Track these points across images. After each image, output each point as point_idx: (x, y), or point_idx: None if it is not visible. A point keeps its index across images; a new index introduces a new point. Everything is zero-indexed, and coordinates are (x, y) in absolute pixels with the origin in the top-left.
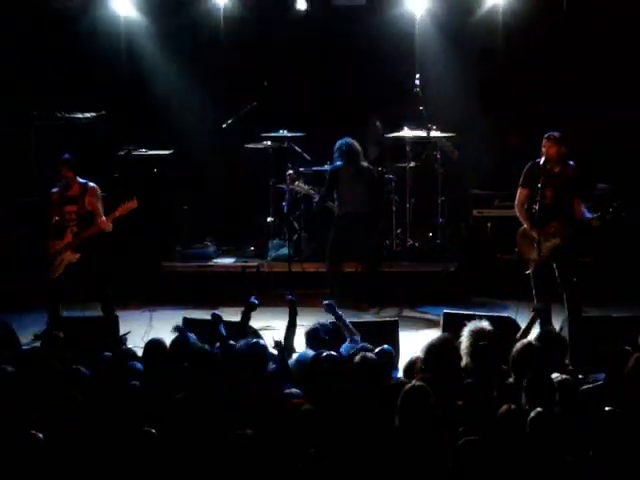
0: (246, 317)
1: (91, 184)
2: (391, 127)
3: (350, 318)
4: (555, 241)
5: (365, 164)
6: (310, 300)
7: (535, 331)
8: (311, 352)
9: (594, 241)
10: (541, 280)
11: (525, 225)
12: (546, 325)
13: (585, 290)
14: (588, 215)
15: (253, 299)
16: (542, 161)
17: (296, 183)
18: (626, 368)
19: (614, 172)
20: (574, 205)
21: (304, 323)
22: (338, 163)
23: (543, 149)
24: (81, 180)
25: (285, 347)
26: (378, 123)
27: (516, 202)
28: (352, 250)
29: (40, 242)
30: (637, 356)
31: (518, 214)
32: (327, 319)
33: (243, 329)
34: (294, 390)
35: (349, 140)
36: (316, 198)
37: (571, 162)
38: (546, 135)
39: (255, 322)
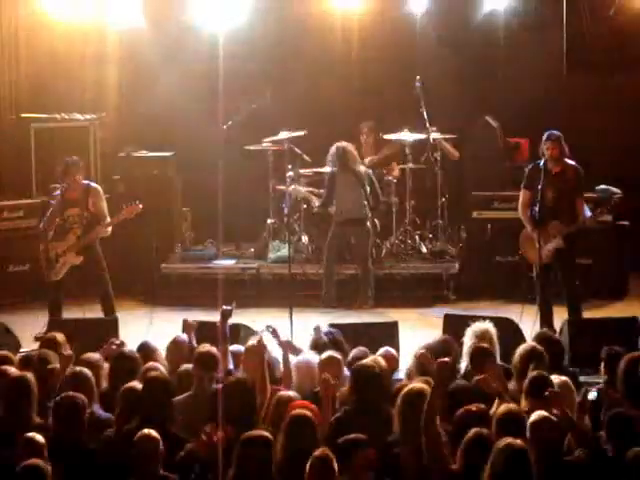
0: (225, 327)
1: (93, 185)
2: (391, 129)
3: (350, 319)
4: (557, 242)
5: (362, 168)
6: (309, 302)
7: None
8: (312, 354)
9: (594, 241)
10: (545, 282)
11: (527, 227)
12: (545, 327)
13: (585, 291)
14: (589, 214)
15: (226, 307)
16: (542, 162)
17: (292, 187)
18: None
19: (614, 172)
20: (576, 206)
21: (303, 323)
22: (335, 168)
23: (544, 149)
24: (83, 182)
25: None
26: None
27: (519, 204)
28: (350, 252)
29: (41, 244)
30: (629, 357)
31: (521, 216)
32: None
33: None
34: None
35: (344, 144)
36: (314, 201)
37: (572, 162)
38: (546, 135)
39: (254, 323)
